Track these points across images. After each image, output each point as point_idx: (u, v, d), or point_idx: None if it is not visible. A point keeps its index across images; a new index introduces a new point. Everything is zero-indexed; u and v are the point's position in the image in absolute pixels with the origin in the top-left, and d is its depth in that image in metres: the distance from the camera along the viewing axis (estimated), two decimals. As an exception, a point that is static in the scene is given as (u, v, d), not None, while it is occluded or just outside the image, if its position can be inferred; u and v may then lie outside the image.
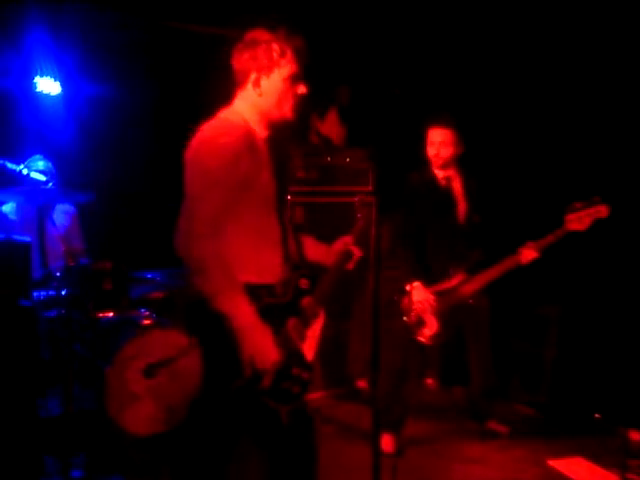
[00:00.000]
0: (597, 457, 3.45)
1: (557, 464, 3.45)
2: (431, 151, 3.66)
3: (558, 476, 3.33)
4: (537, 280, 4.08)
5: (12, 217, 4.06)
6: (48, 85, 4.30)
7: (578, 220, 3.33)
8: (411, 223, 3.66)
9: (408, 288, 3.56)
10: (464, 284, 3.60)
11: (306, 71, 5.11)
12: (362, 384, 4.51)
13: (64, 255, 3.58)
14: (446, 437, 3.83)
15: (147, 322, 3.71)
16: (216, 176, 2.06)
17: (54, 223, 3.74)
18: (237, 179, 2.08)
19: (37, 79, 4.26)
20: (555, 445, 3.66)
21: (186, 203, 2.14)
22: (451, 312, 3.57)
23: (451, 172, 3.74)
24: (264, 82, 2.21)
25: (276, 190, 2.21)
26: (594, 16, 4.11)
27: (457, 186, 3.75)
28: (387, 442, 3.48)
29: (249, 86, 2.24)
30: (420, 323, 3.56)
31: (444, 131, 3.62)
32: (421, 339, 3.57)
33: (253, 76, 2.22)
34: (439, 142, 3.63)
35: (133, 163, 4.74)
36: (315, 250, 2.50)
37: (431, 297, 3.54)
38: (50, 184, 3.64)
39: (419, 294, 3.53)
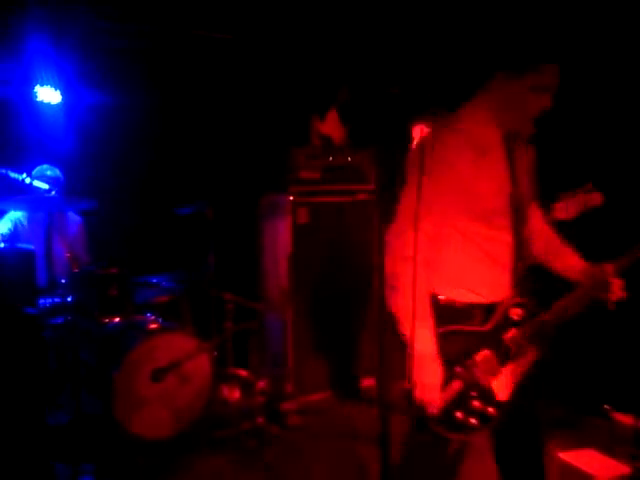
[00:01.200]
0: (608, 448, 3.43)
1: (568, 457, 3.43)
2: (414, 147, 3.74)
3: (570, 469, 3.31)
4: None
5: (24, 224, 4.09)
6: (48, 94, 4.31)
7: (565, 209, 3.29)
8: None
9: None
10: None
11: (306, 72, 5.12)
12: (368, 383, 4.50)
13: (68, 262, 3.60)
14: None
15: (153, 326, 3.71)
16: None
17: (61, 231, 3.76)
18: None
19: (37, 88, 4.27)
20: (565, 438, 3.64)
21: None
22: None
23: None
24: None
25: (511, 199, 2.01)
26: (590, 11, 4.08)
27: None
28: None
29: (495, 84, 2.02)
30: None
31: (422, 127, 3.78)
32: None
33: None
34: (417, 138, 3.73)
35: (135, 170, 4.75)
36: (570, 262, 2.17)
37: None
38: (53, 192, 3.66)
39: None
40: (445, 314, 1.98)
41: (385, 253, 1.95)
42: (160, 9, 4.70)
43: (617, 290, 2.04)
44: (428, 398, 1.94)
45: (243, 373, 3.92)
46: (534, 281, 2.09)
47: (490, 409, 2.00)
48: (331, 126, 5.08)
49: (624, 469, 3.20)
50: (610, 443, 3.49)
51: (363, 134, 4.85)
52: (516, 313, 2.02)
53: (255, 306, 4.08)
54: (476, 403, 1.99)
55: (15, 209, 4.05)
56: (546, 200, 3.33)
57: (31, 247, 3.15)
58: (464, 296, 2.00)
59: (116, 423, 3.40)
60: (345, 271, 4.49)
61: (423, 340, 1.92)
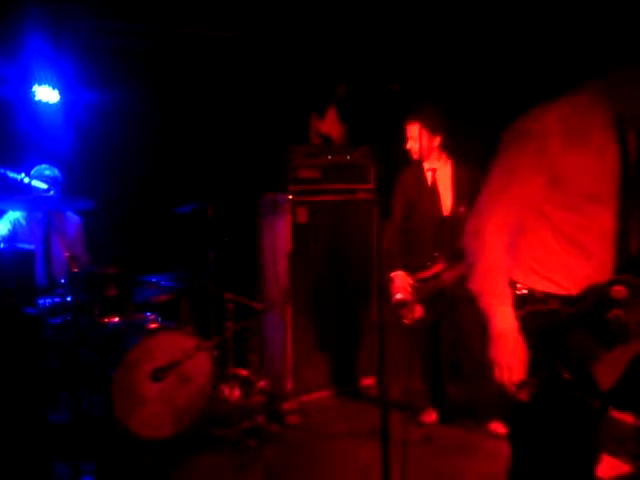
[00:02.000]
0: (608, 447, 3.43)
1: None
2: (407, 145, 3.83)
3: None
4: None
5: (22, 224, 4.09)
6: (47, 93, 4.30)
7: None
8: (397, 215, 3.88)
9: (391, 276, 3.77)
10: (444, 272, 3.70)
11: (305, 70, 5.11)
12: (368, 382, 4.51)
13: (67, 262, 3.60)
14: (452, 433, 3.82)
15: (153, 326, 3.71)
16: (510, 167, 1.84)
17: (60, 231, 3.76)
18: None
19: (35, 87, 4.27)
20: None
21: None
22: (432, 298, 3.73)
23: (437, 163, 3.85)
24: None
25: (621, 185, 1.81)
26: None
27: (444, 177, 3.83)
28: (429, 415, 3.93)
29: None
30: (404, 307, 3.73)
31: (413, 125, 3.77)
32: (405, 322, 3.73)
33: None
34: (410, 137, 3.80)
35: (134, 169, 4.75)
36: None
37: (410, 284, 3.75)
38: (52, 192, 3.66)
39: (400, 281, 3.75)
40: (522, 301, 1.86)
41: (464, 231, 1.92)
42: (159, 8, 4.70)
43: None
44: (514, 378, 1.80)
45: (243, 372, 3.92)
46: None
47: (595, 402, 1.78)
48: (330, 124, 5.09)
49: (624, 468, 3.20)
50: (610, 442, 3.49)
51: (362, 132, 4.85)
52: (618, 291, 1.78)
53: (255, 305, 4.08)
54: (576, 393, 1.77)
55: (14, 209, 4.05)
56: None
57: (30, 247, 3.14)
58: (544, 286, 1.86)
59: (116, 422, 3.40)
60: (344, 270, 4.49)
61: (503, 317, 1.82)
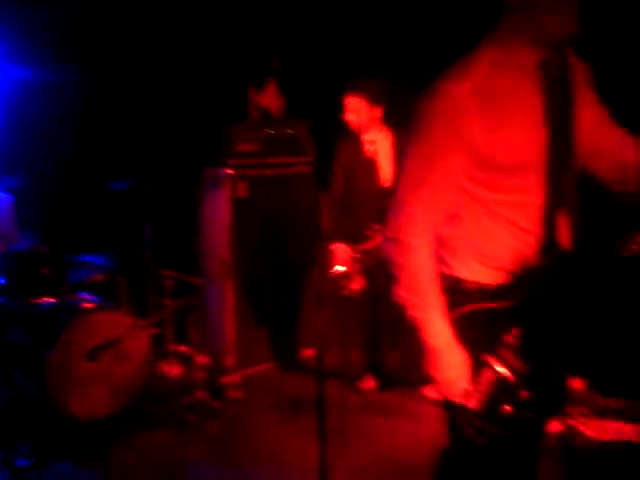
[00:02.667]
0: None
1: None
2: (346, 117, 3.80)
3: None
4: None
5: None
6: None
7: None
8: (336, 187, 3.87)
9: (332, 248, 3.79)
10: None
11: (242, 44, 5.02)
12: (308, 353, 4.54)
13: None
14: (388, 399, 3.87)
15: (88, 305, 3.64)
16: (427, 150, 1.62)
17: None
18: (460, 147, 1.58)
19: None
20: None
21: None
22: (373, 269, 3.75)
23: (377, 135, 3.84)
24: None
25: (549, 149, 1.61)
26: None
27: (385, 148, 3.82)
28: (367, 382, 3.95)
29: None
30: (344, 278, 3.75)
31: (352, 98, 3.75)
32: (345, 293, 3.78)
33: None
34: (349, 109, 3.77)
35: (67, 146, 4.61)
36: None
37: (350, 256, 3.77)
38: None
39: (340, 253, 3.77)
40: (463, 296, 1.66)
41: (384, 237, 1.73)
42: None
43: None
44: (454, 393, 1.64)
45: (183, 349, 3.90)
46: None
47: (546, 397, 1.66)
48: (269, 98, 5.02)
49: (557, 426, 3.30)
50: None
51: (301, 105, 4.81)
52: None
53: (195, 281, 4.04)
54: (524, 393, 1.61)
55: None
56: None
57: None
58: (487, 274, 1.65)
59: (53, 403, 3.34)
60: (285, 243, 4.49)
61: (435, 332, 1.63)
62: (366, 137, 3.86)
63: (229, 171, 4.28)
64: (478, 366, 1.63)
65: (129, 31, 4.86)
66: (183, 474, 3.17)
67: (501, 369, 1.60)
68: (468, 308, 1.65)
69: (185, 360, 3.82)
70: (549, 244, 1.63)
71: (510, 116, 1.58)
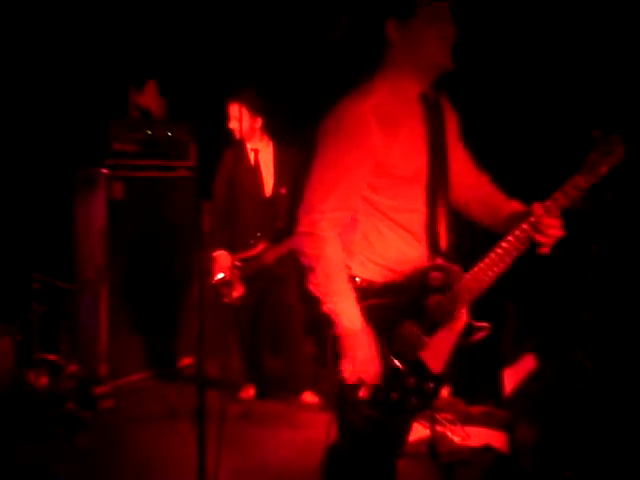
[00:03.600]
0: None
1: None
2: (229, 125, 3.84)
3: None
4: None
5: None
6: None
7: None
8: (219, 194, 3.90)
9: (214, 255, 3.81)
10: (266, 252, 3.79)
11: (123, 42, 4.85)
12: (187, 362, 4.48)
13: None
14: (268, 407, 3.90)
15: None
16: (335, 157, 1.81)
17: None
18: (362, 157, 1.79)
19: None
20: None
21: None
22: (254, 277, 3.81)
23: (259, 144, 3.91)
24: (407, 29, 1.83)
25: (429, 164, 1.86)
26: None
27: (266, 158, 3.91)
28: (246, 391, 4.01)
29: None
30: (226, 286, 3.79)
31: (235, 105, 3.80)
32: (226, 300, 3.80)
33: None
34: (233, 116, 3.82)
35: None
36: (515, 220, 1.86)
37: (232, 263, 3.80)
38: None
39: (222, 261, 3.80)
40: (363, 294, 1.82)
41: (297, 232, 1.83)
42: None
43: (555, 227, 1.79)
44: (369, 373, 1.78)
45: (52, 357, 3.70)
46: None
47: (427, 385, 1.83)
48: (149, 98, 4.90)
49: (425, 432, 3.47)
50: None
51: (183, 108, 4.74)
52: (435, 278, 1.82)
53: (65, 286, 3.85)
54: (411, 380, 1.81)
55: None
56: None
57: None
58: (384, 276, 1.85)
59: None
60: (163, 249, 4.39)
61: (351, 316, 1.78)
62: (249, 145, 3.90)
63: (104, 171, 4.14)
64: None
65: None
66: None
67: (394, 360, 1.79)
68: (363, 304, 1.80)
69: (54, 369, 3.63)
70: (434, 248, 1.87)
71: (402, 133, 1.82)
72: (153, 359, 4.35)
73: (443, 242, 1.88)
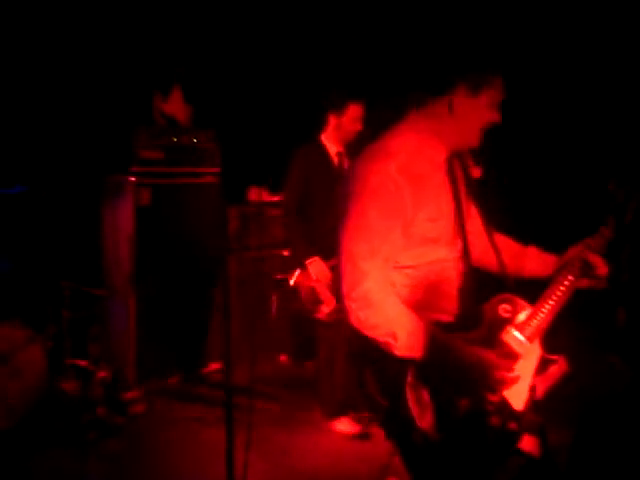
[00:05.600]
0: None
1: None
2: (353, 126, 3.65)
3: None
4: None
5: None
6: None
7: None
8: (295, 198, 3.62)
9: (307, 263, 3.48)
10: None
11: (148, 50, 4.90)
12: (214, 367, 4.48)
13: None
14: (300, 411, 3.89)
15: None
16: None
17: None
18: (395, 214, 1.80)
19: None
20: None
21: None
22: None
23: (341, 149, 3.77)
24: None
25: (456, 218, 1.92)
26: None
27: (346, 164, 3.74)
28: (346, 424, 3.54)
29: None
30: (317, 301, 3.48)
31: (359, 107, 3.64)
32: (320, 316, 3.49)
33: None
34: (360, 117, 3.64)
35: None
36: (538, 262, 2.03)
37: (329, 272, 3.46)
38: None
39: (317, 269, 3.47)
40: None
41: (346, 295, 1.78)
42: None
43: (601, 265, 1.92)
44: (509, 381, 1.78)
45: (82, 363, 3.74)
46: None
47: (511, 424, 1.79)
48: (174, 105, 4.95)
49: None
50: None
51: (209, 114, 4.77)
52: (504, 310, 1.86)
53: (95, 292, 3.90)
54: (495, 420, 1.76)
55: None
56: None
57: None
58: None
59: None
60: (192, 255, 4.40)
61: (413, 330, 1.74)
62: (335, 149, 3.72)
63: (132, 178, 4.17)
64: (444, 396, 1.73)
65: (29, 27, 4.64)
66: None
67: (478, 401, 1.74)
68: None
69: (85, 375, 3.66)
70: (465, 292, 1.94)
71: (427, 193, 1.84)
72: (181, 364, 4.36)
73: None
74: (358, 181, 1.82)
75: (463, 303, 1.93)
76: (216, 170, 4.50)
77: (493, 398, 1.76)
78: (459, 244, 1.94)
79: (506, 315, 1.85)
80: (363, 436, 3.49)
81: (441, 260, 1.89)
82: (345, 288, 1.77)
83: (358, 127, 3.67)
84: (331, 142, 3.73)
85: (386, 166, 1.80)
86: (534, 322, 1.85)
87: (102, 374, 3.67)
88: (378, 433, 2.02)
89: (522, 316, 1.87)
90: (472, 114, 1.86)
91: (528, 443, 2.92)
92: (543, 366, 1.89)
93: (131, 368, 4.06)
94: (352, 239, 1.80)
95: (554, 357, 1.92)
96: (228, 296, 2.74)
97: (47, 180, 3.94)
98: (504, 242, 2.11)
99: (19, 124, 4.61)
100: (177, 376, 4.33)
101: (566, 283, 1.90)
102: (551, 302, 1.87)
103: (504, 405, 1.77)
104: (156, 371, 4.20)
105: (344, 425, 3.57)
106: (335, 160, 3.73)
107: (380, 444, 2.13)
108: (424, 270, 1.87)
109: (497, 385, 1.75)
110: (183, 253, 4.37)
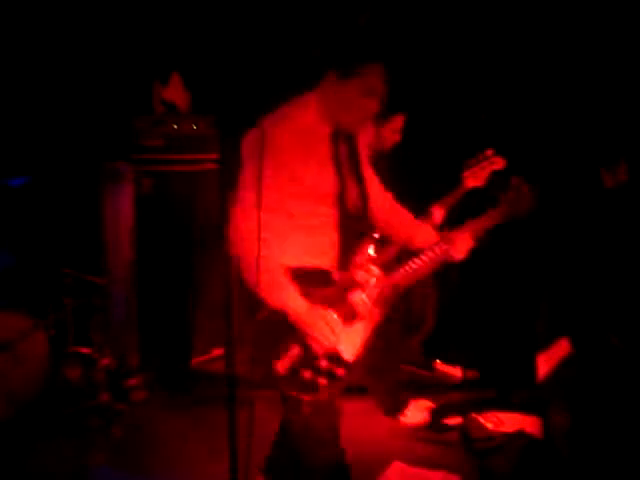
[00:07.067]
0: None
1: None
2: (394, 137, 3.62)
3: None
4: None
5: None
6: None
7: (473, 175, 3.20)
8: None
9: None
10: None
11: (147, 36, 4.88)
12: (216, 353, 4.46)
13: None
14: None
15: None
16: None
17: None
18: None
19: None
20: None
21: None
22: None
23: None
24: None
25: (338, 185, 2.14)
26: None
27: None
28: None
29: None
30: None
31: (400, 118, 3.60)
32: None
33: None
34: (397, 129, 3.60)
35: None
36: (427, 238, 2.34)
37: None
38: None
39: None
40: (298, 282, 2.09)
41: (236, 238, 2.12)
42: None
43: (461, 251, 2.25)
44: (333, 341, 2.05)
45: (85, 351, 3.75)
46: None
47: (338, 369, 2.08)
48: (174, 92, 4.92)
49: (458, 419, 3.45)
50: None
51: (207, 101, 4.75)
52: (361, 276, 2.13)
53: (97, 280, 3.90)
54: (324, 363, 2.07)
55: None
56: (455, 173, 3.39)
57: None
58: (307, 263, 2.13)
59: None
60: (193, 242, 4.40)
61: (294, 300, 2.05)
62: None
63: (131, 166, 4.17)
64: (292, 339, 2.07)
65: (26, 15, 4.61)
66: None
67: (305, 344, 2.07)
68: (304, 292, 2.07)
69: (87, 362, 3.68)
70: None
71: (313, 160, 2.10)
72: (183, 351, 4.36)
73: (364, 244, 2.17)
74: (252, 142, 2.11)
75: (341, 258, 2.16)
76: (216, 157, 4.49)
77: (323, 346, 2.07)
78: (342, 204, 2.15)
79: (359, 279, 2.12)
80: None
81: (321, 214, 2.13)
82: None
83: (397, 138, 3.61)
84: None
85: (277, 130, 2.06)
86: (383, 289, 2.15)
87: (105, 361, 3.69)
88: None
89: (373, 281, 2.15)
90: (343, 99, 2.07)
91: (531, 424, 2.94)
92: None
93: (133, 355, 4.07)
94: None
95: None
96: (229, 279, 2.73)
97: (47, 169, 3.93)
98: (400, 212, 2.41)
99: (17, 113, 4.60)
100: (179, 363, 4.33)
101: (419, 260, 2.22)
102: (403, 272, 2.20)
103: (334, 353, 2.08)
104: (158, 358, 4.21)
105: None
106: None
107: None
108: (306, 221, 2.12)
109: (324, 339, 2.05)
110: (185, 240, 4.37)
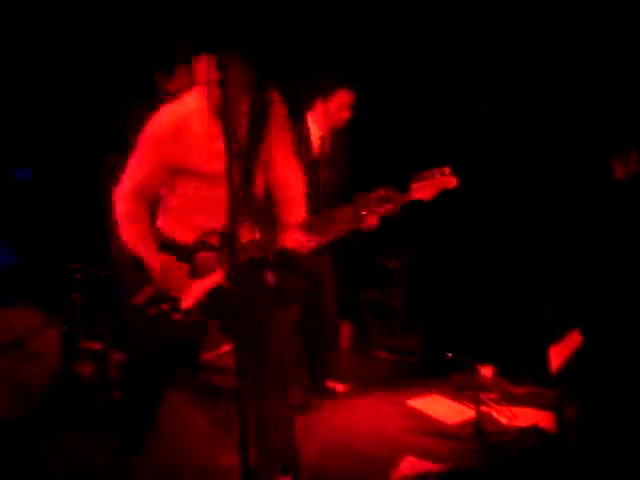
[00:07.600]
0: (454, 394, 3.70)
1: (416, 403, 3.65)
2: (344, 113, 3.64)
3: (417, 414, 3.52)
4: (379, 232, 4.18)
5: None
6: None
7: (422, 189, 3.00)
8: None
9: None
10: None
11: (148, 26, 4.83)
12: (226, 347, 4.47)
13: None
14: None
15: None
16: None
17: None
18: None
19: None
20: (414, 387, 3.86)
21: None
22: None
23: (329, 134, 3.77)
24: None
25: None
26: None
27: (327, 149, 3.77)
28: None
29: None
30: None
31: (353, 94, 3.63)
32: None
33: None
34: (350, 104, 3.63)
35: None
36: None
37: None
38: None
39: None
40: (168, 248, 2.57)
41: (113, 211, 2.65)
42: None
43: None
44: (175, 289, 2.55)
45: (96, 346, 3.76)
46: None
47: (176, 314, 2.54)
48: (179, 83, 4.88)
49: (469, 412, 3.45)
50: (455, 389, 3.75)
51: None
52: (213, 239, 2.51)
53: (105, 274, 3.89)
54: (164, 306, 2.54)
55: None
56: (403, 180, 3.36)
57: None
58: (185, 234, 2.57)
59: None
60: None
61: (152, 261, 2.56)
62: (319, 133, 3.74)
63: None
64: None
65: (33, 12, 4.57)
66: (100, 478, 3.06)
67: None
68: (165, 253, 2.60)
69: (99, 358, 3.68)
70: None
71: (194, 140, 2.47)
72: (193, 344, 4.35)
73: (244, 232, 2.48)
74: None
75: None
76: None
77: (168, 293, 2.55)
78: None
79: (212, 243, 2.51)
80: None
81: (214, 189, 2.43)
82: None
83: (345, 114, 3.66)
84: (316, 125, 3.70)
85: (157, 120, 2.60)
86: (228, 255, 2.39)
87: (117, 357, 3.69)
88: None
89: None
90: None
91: (545, 420, 2.94)
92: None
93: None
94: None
95: None
96: (234, 269, 2.72)
97: (51, 163, 3.91)
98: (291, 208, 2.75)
99: (17, 107, 4.58)
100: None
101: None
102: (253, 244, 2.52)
103: (175, 300, 2.54)
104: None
105: None
106: (316, 143, 3.71)
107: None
108: (194, 195, 2.54)
109: (170, 291, 2.53)
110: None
